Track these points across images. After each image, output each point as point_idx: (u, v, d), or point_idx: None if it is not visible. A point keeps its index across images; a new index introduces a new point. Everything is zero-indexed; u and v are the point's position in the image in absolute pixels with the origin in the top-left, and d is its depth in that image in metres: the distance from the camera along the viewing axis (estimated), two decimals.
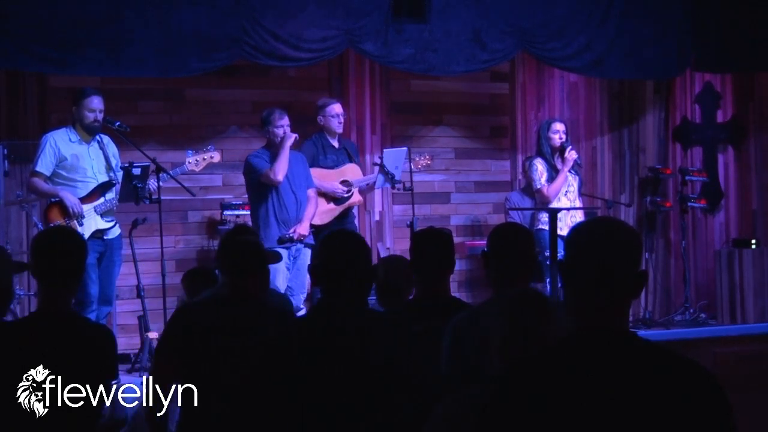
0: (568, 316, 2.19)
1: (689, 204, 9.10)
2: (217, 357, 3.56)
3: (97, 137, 6.58)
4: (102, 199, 6.52)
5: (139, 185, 6.47)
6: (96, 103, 6.51)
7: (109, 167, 6.59)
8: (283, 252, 6.71)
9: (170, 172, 6.65)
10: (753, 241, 8.92)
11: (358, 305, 3.24)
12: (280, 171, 6.87)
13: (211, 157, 6.91)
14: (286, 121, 7.02)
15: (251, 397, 3.33)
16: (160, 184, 6.55)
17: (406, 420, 3.15)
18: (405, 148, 7.55)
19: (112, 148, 6.68)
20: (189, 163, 6.80)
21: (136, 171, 6.51)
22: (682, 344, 7.17)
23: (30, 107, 7.51)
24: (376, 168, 7.44)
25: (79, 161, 6.48)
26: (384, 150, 7.79)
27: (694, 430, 2.06)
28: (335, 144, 7.49)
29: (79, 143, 6.51)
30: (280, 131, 6.95)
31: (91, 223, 6.44)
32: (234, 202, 7.87)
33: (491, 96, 9.14)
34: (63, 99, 7.47)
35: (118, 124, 6.62)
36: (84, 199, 6.45)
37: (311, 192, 7.16)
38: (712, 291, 9.02)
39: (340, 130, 7.49)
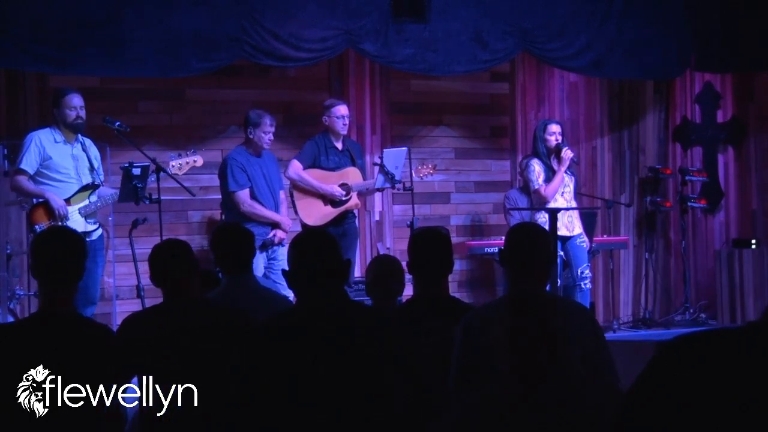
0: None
1: (689, 204, 9.10)
2: (168, 363, 3.52)
3: (80, 139, 6.52)
4: (86, 201, 6.46)
5: (139, 185, 6.45)
6: (76, 100, 6.45)
7: (91, 168, 6.52)
8: (260, 255, 6.85)
9: (151, 176, 6.55)
10: (753, 241, 8.92)
11: (328, 304, 3.20)
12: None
13: (194, 161, 6.81)
14: (273, 128, 7.13)
15: (209, 401, 3.33)
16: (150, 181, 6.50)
17: (401, 419, 3.13)
18: (405, 148, 7.53)
19: (94, 151, 6.61)
20: (172, 166, 6.68)
21: (136, 171, 6.47)
22: None
23: (30, 107, 7.50)
24: (377, 172, 7.42)
25: (63, 161, 6.41)
26: (384, 150, 7.77)
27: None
28: (339, 146, 7.46)
29: (64, 144, 6.44)
30: (267, 137, 7.06)
31: (76, 225, 6.28)
32: None
33: (491, 96, 9.13)
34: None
35: (118, 124, 6.61)
36: (68, 201, 6.38)
37: (282, 194, 7.27)
38: (712, 291, 9.02)
39: (344, 132, 7.48)
